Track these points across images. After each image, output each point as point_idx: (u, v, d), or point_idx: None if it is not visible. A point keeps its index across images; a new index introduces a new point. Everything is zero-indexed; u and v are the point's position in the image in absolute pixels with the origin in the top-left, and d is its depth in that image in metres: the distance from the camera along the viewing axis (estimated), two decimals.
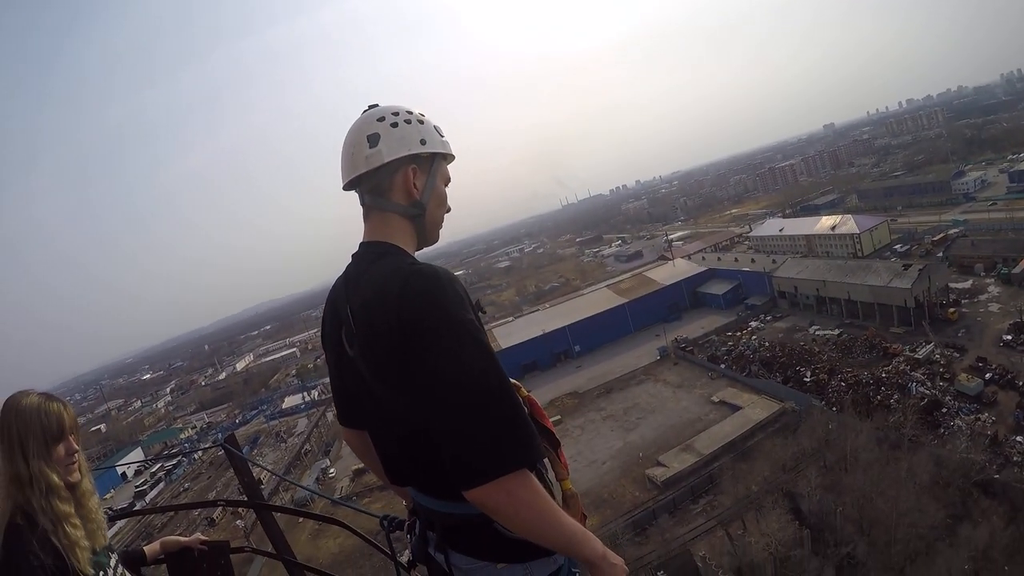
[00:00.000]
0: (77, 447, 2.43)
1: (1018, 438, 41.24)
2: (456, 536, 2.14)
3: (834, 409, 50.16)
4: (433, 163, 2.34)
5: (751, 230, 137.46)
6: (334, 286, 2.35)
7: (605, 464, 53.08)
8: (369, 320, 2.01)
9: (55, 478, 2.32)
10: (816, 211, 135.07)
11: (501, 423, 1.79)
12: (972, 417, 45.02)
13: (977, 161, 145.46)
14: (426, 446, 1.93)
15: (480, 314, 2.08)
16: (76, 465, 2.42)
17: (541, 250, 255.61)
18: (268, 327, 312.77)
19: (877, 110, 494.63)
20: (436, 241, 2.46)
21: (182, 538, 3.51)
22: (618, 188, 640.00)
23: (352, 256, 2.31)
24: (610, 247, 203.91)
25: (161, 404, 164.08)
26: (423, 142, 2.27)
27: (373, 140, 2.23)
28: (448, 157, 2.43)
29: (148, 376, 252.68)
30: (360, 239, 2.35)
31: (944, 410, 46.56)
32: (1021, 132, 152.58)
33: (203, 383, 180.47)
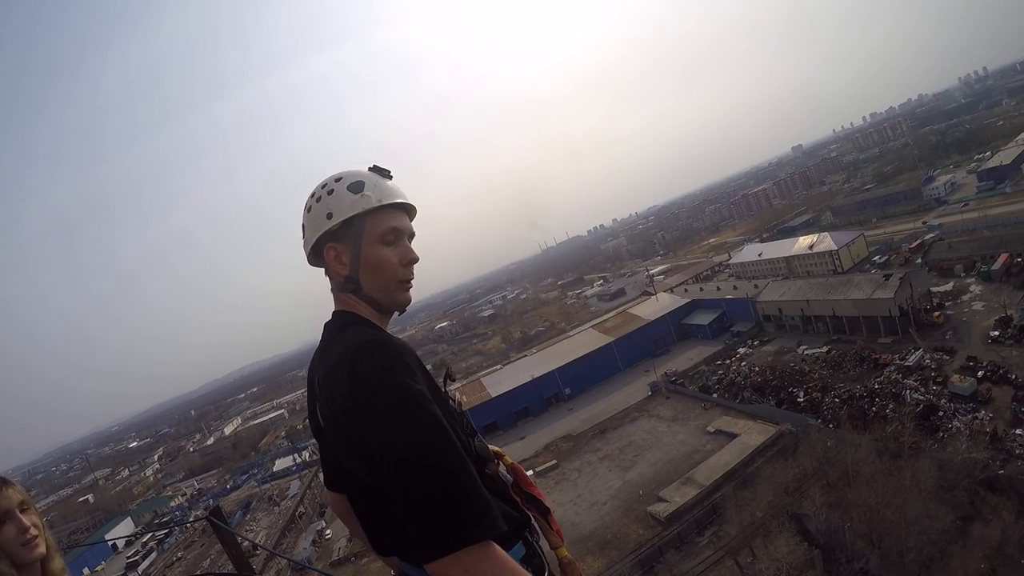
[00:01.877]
0: (29, 524, 2.24)
1: (1018, 431, 40.86)
2: None
3: (831, 426, 49.58)
4: (352, 230, 2.22)
5: (730, 258, 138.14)
6: (313, 355, 2.32)
7: (606, 505, 52.11)
8: (328, 394, 2.02)
9: (3, 566, 2.18)
10: (793, 232, 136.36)
11: (450, 497, 1.75)
12: (969, 417, 44.59)
13: (945, 165, 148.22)
14: (395, 517, 1.91)
15: (450, 382, 2.17)
16: (35, 542, 2.24)
17: (524, 296, 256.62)
18: (254, 389, 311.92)
19: (842, 127, 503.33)
20: (399, 302, 2.33)
21: None
22: (596, 228, 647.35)
23: (324, 325, 2.29)
24: (592, 287, 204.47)
25: (150, 472, 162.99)
26: (329, 216, 2.21)
27: (304, 230, 2.28)
28: (375, 212, 2.25)
29: (135, 444, 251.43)
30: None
31: (941, 413, 46.11)
32: (984, 132, 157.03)
33: (191, 449, 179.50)
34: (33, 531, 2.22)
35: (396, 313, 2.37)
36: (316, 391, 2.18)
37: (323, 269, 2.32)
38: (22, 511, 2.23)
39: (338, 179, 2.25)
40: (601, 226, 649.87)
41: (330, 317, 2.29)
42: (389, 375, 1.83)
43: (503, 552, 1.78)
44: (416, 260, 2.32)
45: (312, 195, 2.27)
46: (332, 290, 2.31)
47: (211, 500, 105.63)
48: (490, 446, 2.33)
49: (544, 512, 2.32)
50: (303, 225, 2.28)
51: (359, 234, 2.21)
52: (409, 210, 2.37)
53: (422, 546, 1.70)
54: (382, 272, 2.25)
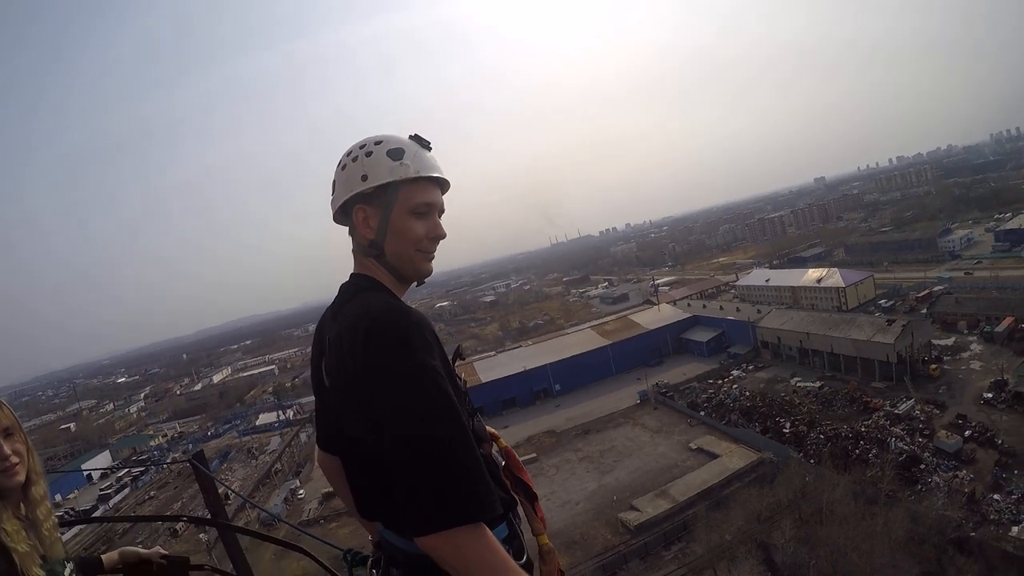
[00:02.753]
0: (9, 452, 2.21)
1: (995, 496, 40.91)
2: (420, 575, 2.04)
3: (812, 461, 49.77)
4: (385, 196, 2.18)
5: (738, 279, 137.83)
6: (323, 314, 2.33)
7: (579, 505, 52.31)
8: (340, 354, 2.00)
9: None
10: (803, 263, 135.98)
11: (454, 472, 1.76)
12: (950, 474, 44.66)
13: (964, 219, 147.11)
14: (391, 484, 1.85)
15: (458, 360, 2.16)
16: (13, 470, 2.22)
17: (528, 287, 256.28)
18: (248, 342, 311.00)
19: (868, 166, 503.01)
20: (420, 274, 2.32)
21: (142, 550, 3.27)
22: (608, 230, 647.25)
23: (340, 286, 2.28)
24: (596, 288, 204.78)
25: (134, 409, 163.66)
26: (363, 178, 2.16)
27: (334, 186, 2.25)
28: (413, 183, 2.20)
29: (123, 380, 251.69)
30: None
31: (922, 466, 46.13)
32: (1008, 192, 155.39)
33: (178, 392, 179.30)
34: (13, 459, 2.21)
35: (415, 284, 2.38)
36: (325, 348, 2.18)
37: (347, 228, 2.30)
38: (6, 436, 2.22)
39: (378, 142, 2.22)
40: (614, 229, 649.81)
41: (348, 278, 2.29)
42: (406, 347, 1.84)
43: (492, 535, 1.79)
44: (443, 236, 2.30)
45: (348, 153, 2.23)
46: (354, 251, 2.30)
47: (191, 445, 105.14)
48: (487, 427, 2.34)
49: (531, 498, 2.33)
50: (334, 181, 2.25)
51: (391, 201, 2.18)
52: (443, 185, 2.34)
53: (417, 519, 1.72)
54: (407, 243, 2.22)
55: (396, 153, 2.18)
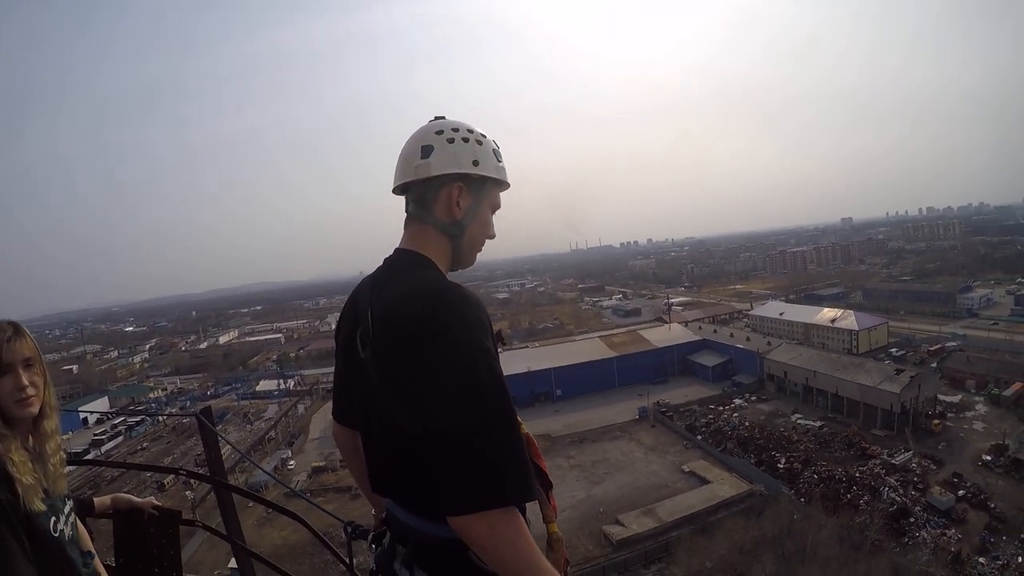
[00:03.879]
0: (27, 383, 2.23)
1: (981, 559, 40.72)
2: (427, 556, 2.04)
3: (802, 500, 49.84)
4: (483, 186, 2.27)
5: (752, 308, 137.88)
6: (360, 284, 2.30)
7: (564, 512, 52.00)
8: (389, 325, 1.97)
9: None
10: (819, 301, 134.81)
11: (502, 455, 1.75)
12: (939, 531, 44.43)
13: (986, 279, 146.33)
14: (418, 461, 1.86)
15: (500, 344, 2.08)
16: (28, 401, 2.24)
17: (542, 289, 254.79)
18: (259, 307, 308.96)
19: (896, 212, 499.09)
20: (471, 264, 2.38)
21: (135, 499, 3.38)
22: (629, 243, 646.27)
23: (385, 260, 2.26)
24: (610, 299, 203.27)
25: (137, 359, 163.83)
26: (475, 163, 2.20)
27: (426, 151, 2.19)
28: (502, 184, 2.35)
29: (130, 329, 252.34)
30: (382, 247, 2.32)
31: (912, 519, 45.95)
32: None
33: (183, 348, 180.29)
34: (30, 390, 2.23)
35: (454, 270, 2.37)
36: (364, 319, 2.11)
37: (412, 197, 2.28)
38: (26, 367, 2.24)
39: (483, 136, 2.26)
40: (635, 242, 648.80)
41: (393, 252, 2.28)
42: (465, 327, 1.84)
43: (522, 520, 1.79)
44: (494, 237, 2.40)
45: (455, 129, 2.23)
46: (413, 224, 2.28)
47: (189, 402, 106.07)
48: None
49: (547, 486, 2.26)
50: (429, 147, 2.20)
51: (484, 194, 2.28)
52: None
53: (455, 496, 1.71)
54: (482, 233, 2.33)
55: (499, 155, 2.29)
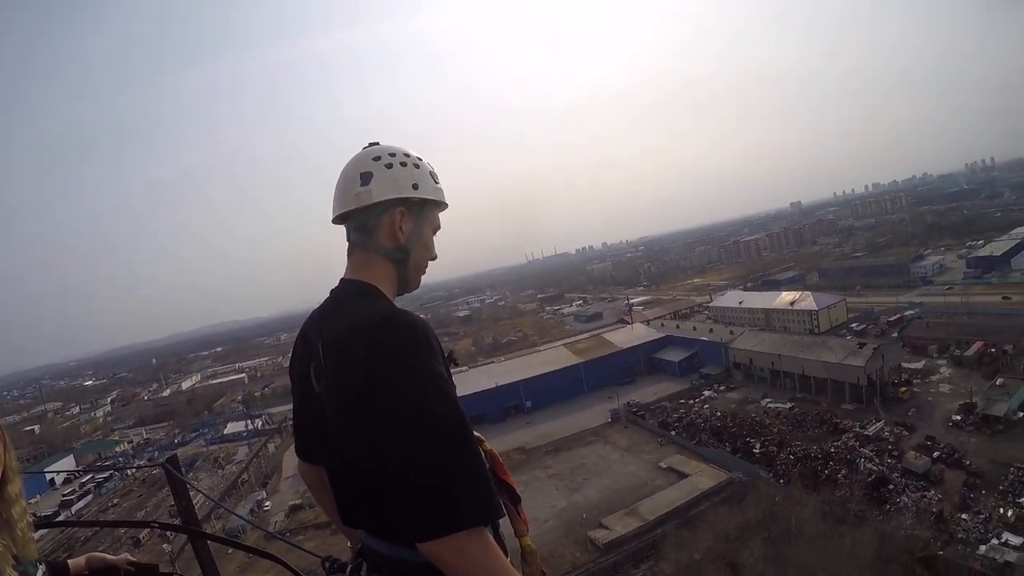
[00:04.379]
0: None
1: (963, 516, 41.11)
2: None
3: (781, 482, 49.77)
4: (423, 209, 2.31)
5: (711, 300, 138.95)
6: (309, 318, 2.31)
7: (547, 523, 51.75)
8: (339, 357, 1.98)
9: None
10: (777, 286, 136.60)
11: (462, 478, 1.77)
12: (918, 494, 44.91)
13: (936, 246, 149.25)
14: (382, 490, 1.88)
15: (452, 365, 2.12)
16: None
17: (502, 302, 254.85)
18: (219, 349, 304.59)
19: (844, 192, 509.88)
20: (416, 287, 2.40)
21: (109, 556, 3.12)
22: (584, 249, 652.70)
23: (331, 292, 2.27)
24: (571, 306, 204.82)
25: (100, 413, 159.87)
26: (415, 187, 2.24)
27: (365, 178, 2.21)
28: (440, 205, 2.39)
29: (90, 383, 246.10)
30: (338, 274, 2.32)
31: (891, 487, 46.37)
32: (981, 220, 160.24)
33: (146, 397, 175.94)
34: None
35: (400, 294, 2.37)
36: (316, 353, 2.10)
37: (353, 225, 2.26)
38: None
39: (419, 160, 2.28)
40: (590, 247, 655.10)
41: (338, 284, 2.26)
42: (413, 352, 1.83)
43: (492, 539, 1.79)
44: (436, 258, 2.41)
45: (392, 154, 2.24)
46: (357, 252, 2.27)
47: (156, 452, 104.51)
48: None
49: (515, 500, 2.35)
50: (368, 173, 2.19)
51: (424, 217, 2.30)
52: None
53: (421, 523, 1.71)
54: (425, 255, 2.34)
55: (435, 176, 2.32)
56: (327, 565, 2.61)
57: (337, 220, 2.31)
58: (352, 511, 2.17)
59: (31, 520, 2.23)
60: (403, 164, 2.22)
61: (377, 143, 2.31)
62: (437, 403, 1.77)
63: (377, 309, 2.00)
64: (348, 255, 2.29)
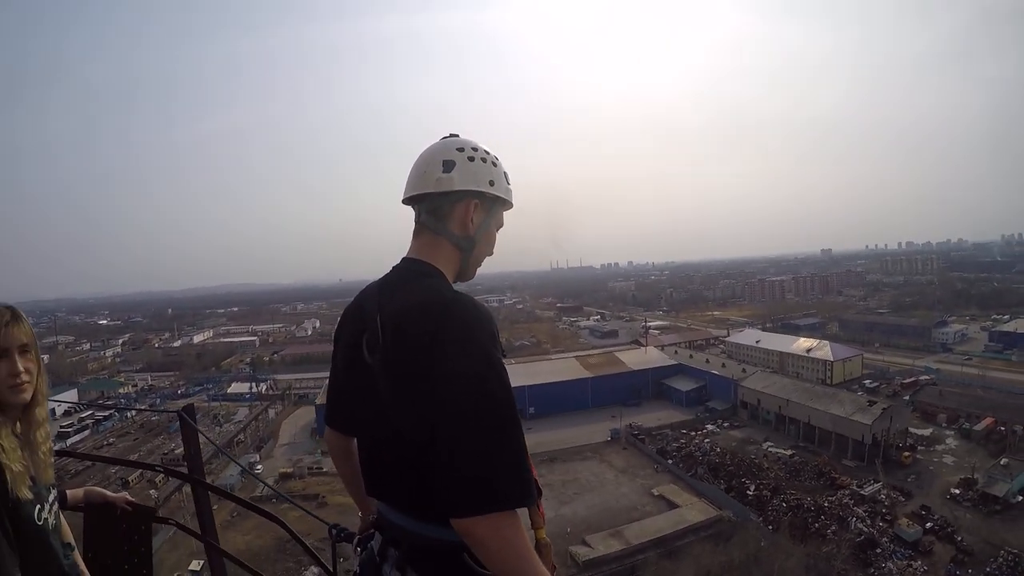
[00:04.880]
0: (22, 368, 2.22)
1: None
2: (421, 558, 2.11)
3: (770, 527, 49.83)
4: (494, 205, 2.40)
5: (729, 335, 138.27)
6: (365, 290, 2.38)
7: (530, 531, 51.85)
8: (402, 330, 2.04)
9: None
10: (796, 331, 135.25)
11: (509, 460, 1.83)
12: (905, 563, 44.63)
13: (961, 315, 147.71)
14: (421, 463, 1.95)
15: (503, 355, 2.11)
16: (22, 387, 2.22)
17: (521, 306, 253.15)
18: (236, 309, 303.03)
19: (876, 245, 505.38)
20: (472, 278, 2.47)
21: (109, 493, 3.34)
22: (610, 264, 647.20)
23: (393, 267, 2.35)
24: (588, 320, 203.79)
25: (109, 353, 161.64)
26: (491, 183, 2.33)
27: (448, 166, 2.28)
28: (507, 205, 2.49)
29: (104, 322, 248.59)
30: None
31: (879, 550, 46.07)
32: (1010, 294, 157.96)
33: (156, 345, 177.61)
34: (25, 376, 2.21)
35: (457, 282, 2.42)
36: (373, 325, 2.15)
37: (426, 208, 2.34)
38: (22, 352, 2.23)
39: (496, 159, 2.38)
40: (615, 264, 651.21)
41: (401, 261, 2.35)
42: (478, 336, 1.91)
43: (522, 523, 1.83)
44: (493, 255, 2.51)
45: (475, 148, 2.33)
46: (425, 234, 2.34)
47: (159, 399, 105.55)
48: None
49: (537, 493, 2.21)
50: (451, 162, 2.29)
51: (494, 213, 2.41)
52: None
53: (462, 499, 1.76)
54: (487, 250, 2.45)
55: (508, 178, 2.42)
56: (334, 533, 2.79)
57: (408, 201, 2.40)
58: (382, 483, 2.27)
59: (52, 446, 2.45)
60: (483, 160, 2.32)
61: (457, 135, 2.41)
62: (495, 387, 1.85)
63: (443, 291, 2.10)
64: (415, 235, 2.38)
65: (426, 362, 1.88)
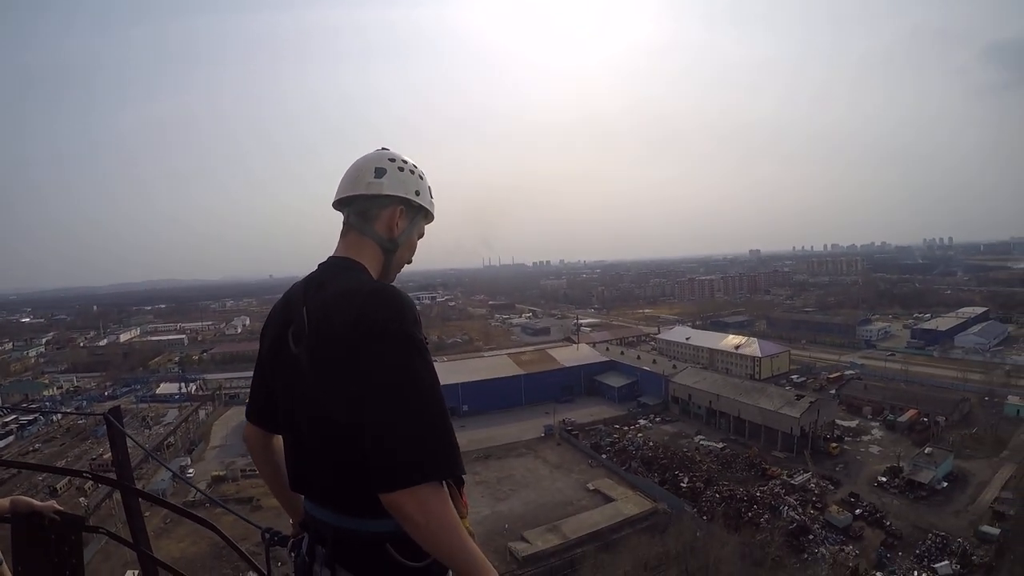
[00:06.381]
0: None
1: (877, 574, 41.95)
2: (347, 553, 2.15)
3: (705, 518, 50.27)
4: (417, 215, 2.56)
5: (659, 332, 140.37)
6: (292, 288, 2.45)
7: None
8: (327, 318, 2.12)
9: None
10: (725, 328, 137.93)
11: (434, 432, 1.89)
12: (837, 548, 45.53)
13: (885, 313, 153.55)
14: (348, 450, 2.01)
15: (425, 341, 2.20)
16: None
17: (453, 303, 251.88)
18: (162, 306, 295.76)
19: (803, 247, 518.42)
20: (392, 282, 2.54)
21: (36, 502, 3.04)
22: (542, 262, 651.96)
23: (320, 265, 2.41)
24: (520, 317, 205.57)
25: (32, 353, 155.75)
26: (417, 193, 2.50)
27: (379, 173, 2.44)
28: (429, 216, 2.65)
29: (27, 320, 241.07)
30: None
31: (811, 537, 46.85)
32: (931, 295, 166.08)
33: (82, 344, 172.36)
34: None
35: None
36: (299, 317, 2.20)
37: (355, 210, 2.45)
38: None
39: (423, 174, 2.56)
40: (547, 262, 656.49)
41: (328, 259, 2.41)
42: (400, 319, 1.99)
43: (449, 497, 1.90)
44: (411, 263, 2.65)
45: (405, 161, 2.49)
46: (352, 234, 2.44)
47: (85, 401, 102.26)
48: None
49: (459, 483, 2.32)
50: (383, 169, 2.43)
51: (417, 222, 2.57)
52: None
53: (392, 473, 1.81)
54: (406, 255, 2.57)
55: (432, 192, 2.60)
56: (267, 536, 2.67)
57: (339, 204, 2.51)
58: (306, 476, 2.27)
59: None
60: (412, 172, 2.49)
61: (388, 149, 2.55)
62: (419, 365, 1.92)
63: (367, 281, 2.22)
64: (342, 236, 2.47)
65: (352, 346, 1.96)
